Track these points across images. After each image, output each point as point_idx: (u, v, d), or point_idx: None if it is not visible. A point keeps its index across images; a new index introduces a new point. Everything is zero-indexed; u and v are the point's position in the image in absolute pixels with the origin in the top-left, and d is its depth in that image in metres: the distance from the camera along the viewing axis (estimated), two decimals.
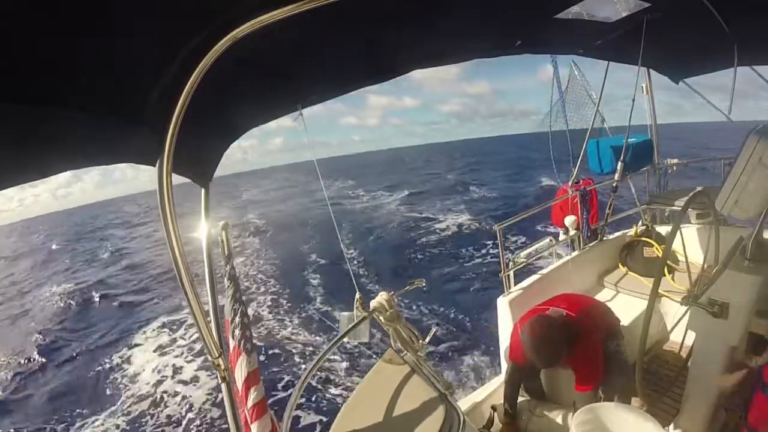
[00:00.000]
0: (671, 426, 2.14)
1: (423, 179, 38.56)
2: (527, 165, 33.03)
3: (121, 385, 8.38)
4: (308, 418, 6.14)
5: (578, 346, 2.12)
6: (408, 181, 38.03)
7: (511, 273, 3.21)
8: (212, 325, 1.26)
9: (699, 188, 2.23)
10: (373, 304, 1.90)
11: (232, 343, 1.42)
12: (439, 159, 70.81)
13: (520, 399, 2.54)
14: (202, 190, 1.42)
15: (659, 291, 2.10)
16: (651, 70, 4.18)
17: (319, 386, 6.77)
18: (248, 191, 53.13)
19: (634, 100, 3.62)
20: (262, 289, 12.68)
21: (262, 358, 7.77)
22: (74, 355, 10.55)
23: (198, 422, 6.64)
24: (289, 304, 11.10)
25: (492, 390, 2.86)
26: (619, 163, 3.82)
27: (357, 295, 1.93)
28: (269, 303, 11.39)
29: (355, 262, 13.77)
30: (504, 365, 2.90)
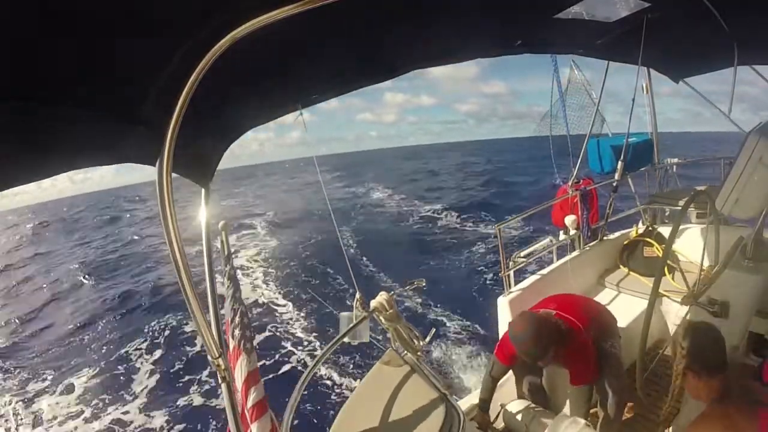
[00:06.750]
0: (671, 426, 2.14)
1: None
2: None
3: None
4: (308, 417, 6.13)
5: (568, 344, 2.14)
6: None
7: (511, 273, 3.21)
8: (212, 325, 1.26)
9: (699, 188, 2.22)
10: (373, 303, 1.90)
11: (231, 343, 1.43)
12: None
13: (523, 404, 2.54)
14: (202, 190, 1.43)
15: (659, 291, 2.09)
16: (651, 70, 4.18)
17: (320, 386, 6.77)
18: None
19: (633, 100, 3.62)
20: (262, 287, 12.68)
21: (261, 357, 7.76)
22: None
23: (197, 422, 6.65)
24: (290, 304, 11.09)
25: None
26: (620, 163, 3.83)
27: (357, 295, 1.93)
28: (269, 303, 11.38)
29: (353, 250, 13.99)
30: None
